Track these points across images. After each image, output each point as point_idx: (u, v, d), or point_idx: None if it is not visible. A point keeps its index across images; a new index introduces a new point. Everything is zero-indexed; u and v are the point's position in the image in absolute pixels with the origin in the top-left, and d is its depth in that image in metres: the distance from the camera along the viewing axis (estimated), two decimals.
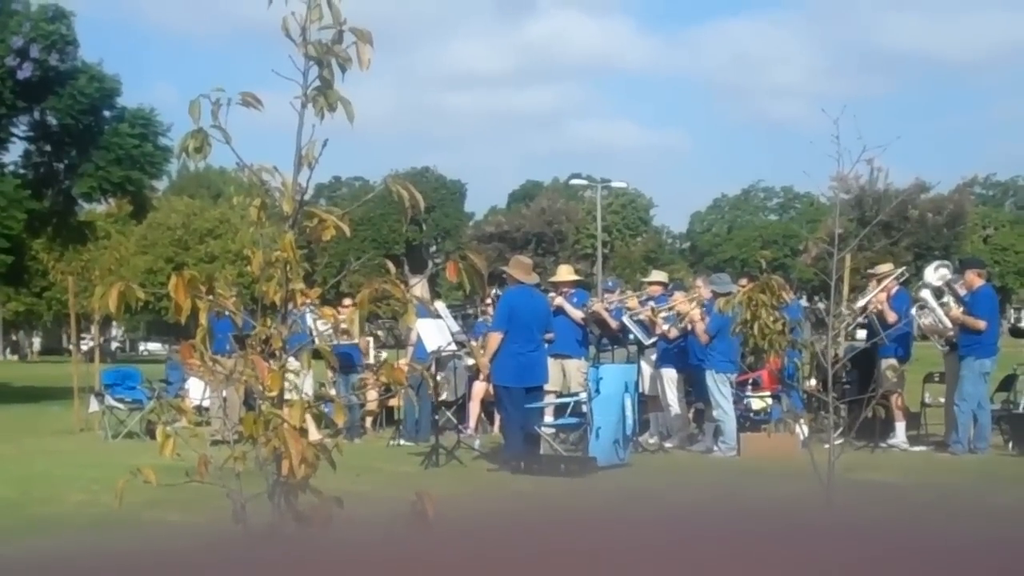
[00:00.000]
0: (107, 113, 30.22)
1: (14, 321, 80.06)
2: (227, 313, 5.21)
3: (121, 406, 18.15)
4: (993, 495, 11.00)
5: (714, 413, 14.90)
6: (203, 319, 5.05)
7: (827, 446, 10.35)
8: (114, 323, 76.61)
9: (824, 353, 11.08)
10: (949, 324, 14.91)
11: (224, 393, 12.11)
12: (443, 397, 16.90)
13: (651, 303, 16.34)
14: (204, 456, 5.05)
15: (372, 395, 16.70)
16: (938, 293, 15.24)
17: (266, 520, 4.95)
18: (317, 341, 5.47)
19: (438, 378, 16.00)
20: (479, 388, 17.13)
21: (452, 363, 17.27)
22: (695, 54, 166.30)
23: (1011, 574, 3.84)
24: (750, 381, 15.68)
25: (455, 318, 16.62)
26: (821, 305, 15.93)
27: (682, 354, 15.51)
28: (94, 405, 18.39)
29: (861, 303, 15.59)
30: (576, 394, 14.50)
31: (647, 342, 16.05)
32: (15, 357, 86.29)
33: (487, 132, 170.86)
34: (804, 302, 18.96)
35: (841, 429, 13.27)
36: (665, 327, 15.64)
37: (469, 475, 13.09)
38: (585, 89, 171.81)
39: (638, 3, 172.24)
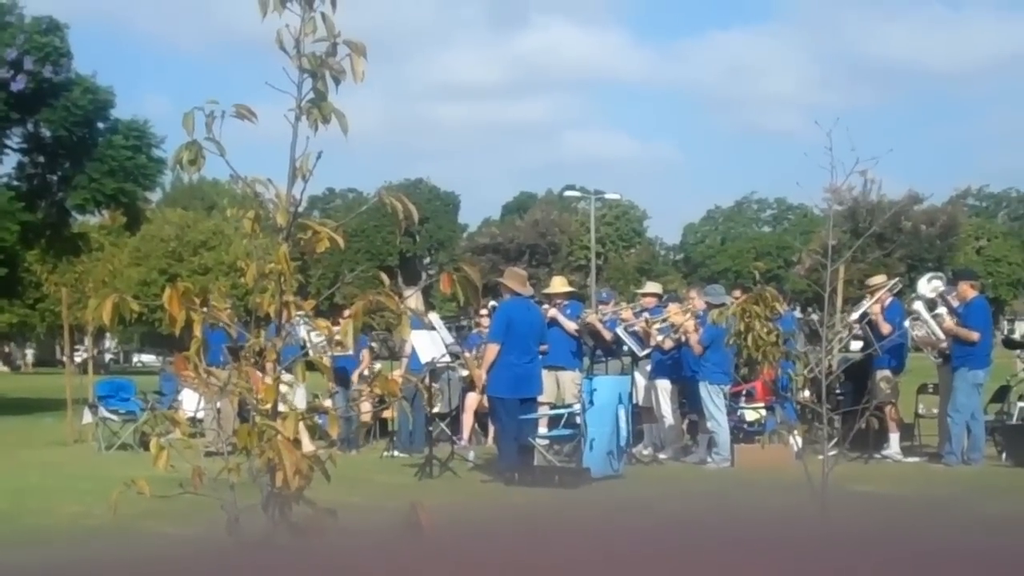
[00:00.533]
0: (101, 125, 30.17)
1: (7, 333, 79.90)
2: (221, 325, 5.22)
3: (115, 418, 18.10)
4: (987, 506, 11.01)
5: (708, 424, 14.90)
6: (197, 331, 5.05)
7: (821, 457, 10.37)
8: (108, 335, 76.53)
9: (818, 364, 11.09)
10: (942, 336, 14.94)
11: (218, 405, 12.10)
12: (437, 409, 16.88)
13: (645, 315, 16.35)
14: (198, 468, 5.05)
15: (366, 407, 16.69)
16: (931, 305, 15.27)
17: (260, 531, 4.95)
18: (312, 353, 5.45)
19: (432, 389, 16.00)
20: (472, 400, 17.13)
21: (446, 375, 17.26)
22: (688, 66, 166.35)
23: None
24: (744, 392, 15.68)
25: (449, 330, 16.62)
26: (815, 317, 15.94)
27: (676, 365, 15.52)
28: (87, 417, 18.35)
29: (855, 315, 15.61)
30: (570, 405, 14.50)
31: (641, 353, 16.05)
32: (7, 369, 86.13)
33: (480, 144, 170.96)
34: (798, 313, 18.96)
35: (835, 440, 13.30)
36: (659, 338, 15.65)
37: (463, 486, 13.08)
38: (578, 101, 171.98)
39: (631, 15, 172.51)
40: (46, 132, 29.54)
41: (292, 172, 5.18)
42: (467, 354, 16.63)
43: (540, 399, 14.47)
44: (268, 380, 5.07)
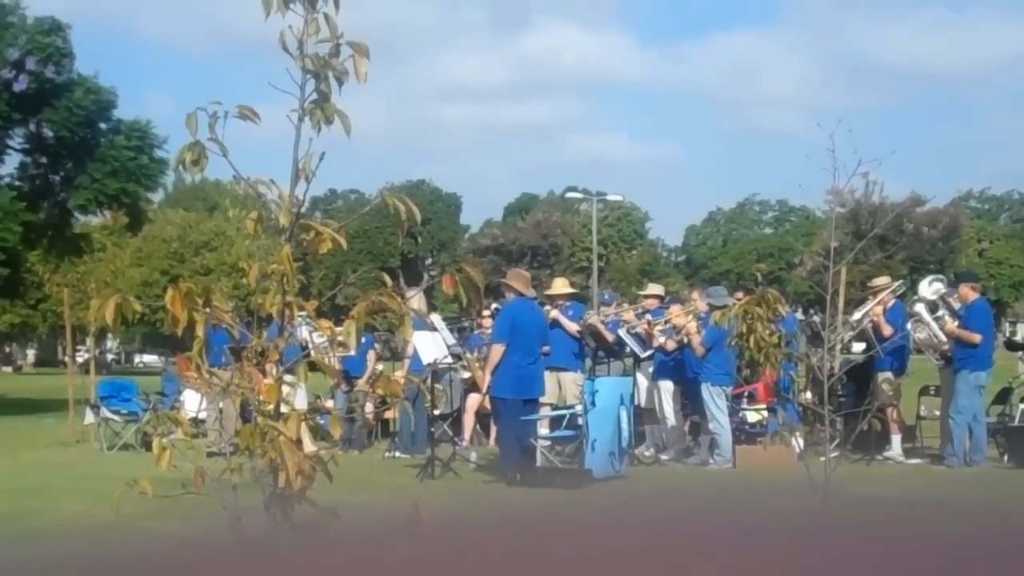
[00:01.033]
0: (103, 125, 30.20)
1: (9, 333, 79.93)
2: (223, 325, 5.22)
3: (117, 418, 18.10)
4: (989, 507, 11.00)
5: (710, 426, 14.90)
6: (200, 331, 5.05)
7: (823, 459, 10.37)
8: (110, 335, 76.51)
9: (820, 366, 11.09)
10: (944, 338, 14.94)
11: (220, 405, 12.10)
12: (439, 410, 16.88)
13: (647, 316, 16.36)
14: (200, 468, 5.05)
15: (368, 407, 16.71)
16: (933, 307, 15.27)
17: (262, 532, 4.95)
18: (313, 354, 5.45)
19: (435, 390, 16.00)
20: (473, 400, 17.12)
21: (448, 375, 17.25)
22: (690, 68, 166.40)
23: None
24: (746, 394, 15.68)
25: (451, 331, 16.62)
26: (817, 318, 15.95)
27: (678, 366, 15.51)
28: (90, 417, 18.36)
29: (857, 316, 15.61)
30: (572, 407, 14.50)
31: (643, 355, 16.05)
32: (8, 369, 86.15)
33: (483, 145, 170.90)
34: (800, 315, 18.97)
35: (837, 442, 13.28)
36: (662, 339, 15.64)
37: (465, 487, 13.08)
38: (581, 102, 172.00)
39: (633, 17, 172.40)
40: (48, 132, 29.56)
41: (295, 173, 5.18)
42: (469, 355, 16.63)
43: (542, 400, 14.47)
44: (270, 381, 5.07)
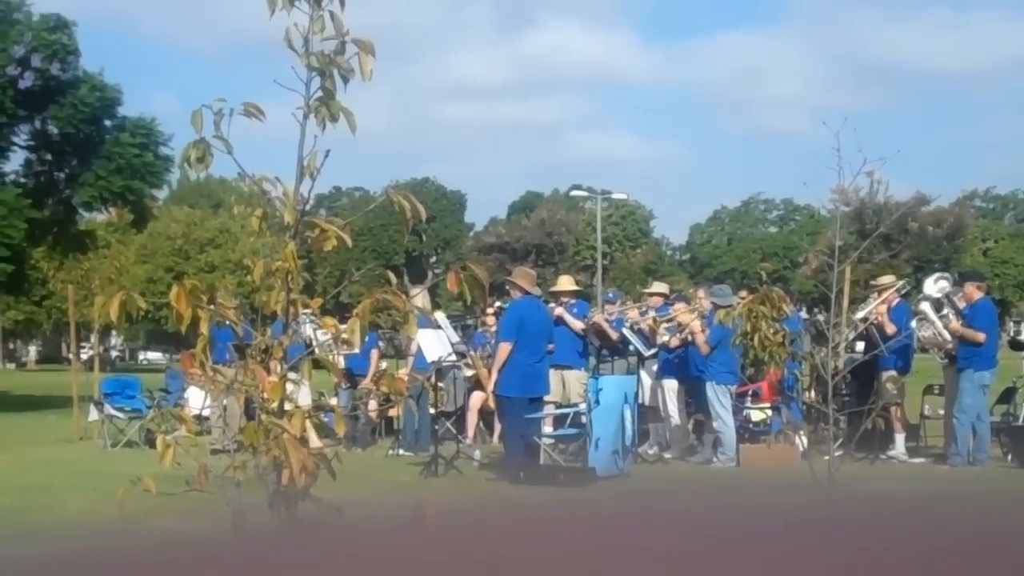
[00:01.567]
0: (108, 122, 30.21)
1: (13, 330, 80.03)
2: (228, 322, 5.22)
3: (120, 415, 18.13)
4: (992, 507, 10.99)
5: (714, 424, 14.89)
6: (204, 328, 5.05)
7: (827, 457, 10.36)
8: (114, 332, 76.62)
9: (824, 365, 11.09)
10: (948, 337, 14.92)
11: (224, 402, 12.11)
12: (442, 407, 16.88)
13: (652, 314, 16.35)
14: (204, 465, 5.05)
15: (372, 405, 16.72)
16: (937, 306, 15.25)
17: (266, 529, 4.95)
18: (318, 351, 5.45)
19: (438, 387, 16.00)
20: (477, 398, 17.12)
21: (452, 373, 17.26)
22: (695, 67, 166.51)
23: None
24: (750, 392, 15.68)
25: (455, 329, 16.62)
26: (821, 317, 15.94)
27: (682, 365, 15.50)
28: (93, 414, 18.38)
29: (860, 315, 15.60)
30: (576, 405, 14.50)
31: (647, 353, 16.05)
32: (12, 366, 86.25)
33: (487, 143, 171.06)
34: (804, 314, 18.96)
35: (841, 440, 13.28)
36: (665, 337, 15.64)
37: (468, 485, 13.08)
38: (585, 101, 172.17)
39: (638, 16, 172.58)
40: (53, 129, 29.57)
41: (300, 170, 5.18)
42: (472, 353, 16.64)
43: (546, 398, 14.47)
44: (274, 378, 5.07)
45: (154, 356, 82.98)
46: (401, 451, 16.40)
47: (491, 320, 17.90)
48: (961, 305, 14.93)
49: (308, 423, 5.02)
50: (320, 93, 5.18)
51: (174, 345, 56.64)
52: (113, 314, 5.02)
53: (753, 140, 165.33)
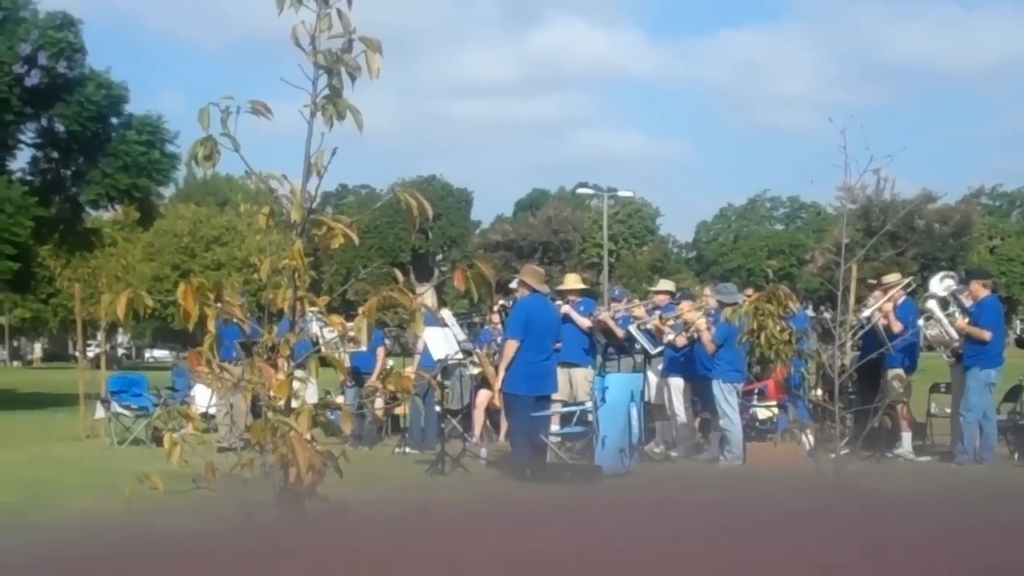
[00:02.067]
0: (114, 120, 30.21)
1: (19, 327, 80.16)
2: (234, 320, 5.22)
3: (127, 413, 18.13)
4: (998, 505, 10.97)
5: (720, 422, 14.88)
6: (211, 326, 5.06)
7: (833, 455, 10.37)
8: (120, 330, 76.71)
9: (831, 363, 11.08)
10: (955, 335, 14.90)
11: (231, 400, 12.13)
12: (449, 405, 16.87)
13: (658, 312, 16.35)
14: (211, 463, 5.06)
15: (379, 403, 16.71)
16: (944, 304, 15.23)
17: (273, 527, 4.95)
18: (324, 349, 5.45)
19: (444, 385, 16.00)
20: (483, 396, 17.11)
21: (458, 371, 17.25)
22: (701, 64, 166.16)
23: None
24: (756, 391, 15.65)
25: (461, 327, 16.62)
26: (827, 315, 15.92)
27: (689, 363, 15.49)
28: (100, 412, 18.38)
29: (865, 313, 15.59)
30: (582, 403, 14.49)
31: (653, 351, 16.04)
32: (18, 363, 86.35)
33: (493, 141, 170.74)
34: (810, 312, 18.94)
35: (847, 439, 13.28)
36: (671, 335, 15.63)
37: (475, 483, 13.07)
38: (591, 98, 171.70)
39: (644, 13, 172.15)
40: (60, 127, 29.57)
41: (307, 168, 5.19)
42: (479, 351, 16.63)
43: (552, 396, 14.45)
44: (281, 376, 5.07)
45: (161, 354, 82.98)
46: (407, 449, 16.40)
47: (497, 318, 17.88)
48: (967, 303, 14.92)
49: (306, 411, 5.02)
50: (327, 91, 5.18)
51: (181, 343, 56.75)
52: (120, 312, 5.03)
53: (759, 138, 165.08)
